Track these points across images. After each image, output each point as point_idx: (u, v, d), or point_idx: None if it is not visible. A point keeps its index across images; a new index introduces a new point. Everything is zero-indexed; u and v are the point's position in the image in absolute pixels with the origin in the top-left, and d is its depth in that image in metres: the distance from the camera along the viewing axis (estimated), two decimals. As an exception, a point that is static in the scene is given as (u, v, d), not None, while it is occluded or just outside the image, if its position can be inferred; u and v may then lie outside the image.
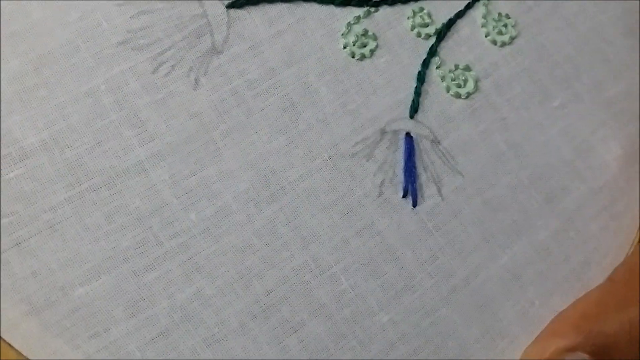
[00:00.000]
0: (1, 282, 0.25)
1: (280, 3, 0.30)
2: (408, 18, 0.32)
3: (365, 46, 0.31)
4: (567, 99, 0.34)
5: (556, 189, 0.32)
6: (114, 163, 0.27)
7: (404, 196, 0.30)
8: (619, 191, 0.33)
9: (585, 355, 0.27)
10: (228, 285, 0.27)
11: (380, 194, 0.29)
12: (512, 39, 0.33)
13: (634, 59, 0.36)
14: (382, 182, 0.29)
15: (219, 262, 0.27)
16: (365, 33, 0.31)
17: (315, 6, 0.31)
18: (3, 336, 0.24)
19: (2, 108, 0.26)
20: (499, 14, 0.33)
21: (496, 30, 0.33)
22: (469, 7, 0.33)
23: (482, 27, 0.33)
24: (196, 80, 0.28)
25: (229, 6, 0.30)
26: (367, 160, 0.30)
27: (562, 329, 0.29)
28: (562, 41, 0.34)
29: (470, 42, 0.33)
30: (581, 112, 0.34)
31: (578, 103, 0.34)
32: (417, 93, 0.31)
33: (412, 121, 0.31)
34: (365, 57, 0.31)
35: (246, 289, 0.27)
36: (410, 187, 0.30)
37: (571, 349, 0.28)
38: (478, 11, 0.33)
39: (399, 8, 0.32)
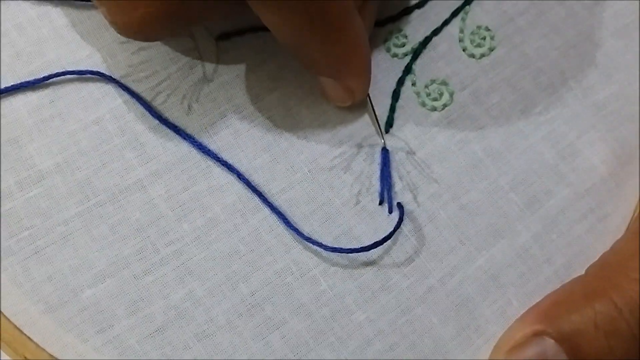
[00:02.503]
0: (23, 285, 0.29)
1: (264, 32, 0.33)
2: (385, 41, 0.34)
3: (344, 67, 0.34)
4: (551, 104, 0.35)
5: (539, 193, 0.33)
6: (117, 181, 0.31)
7: (380, 204, 0.32)
8: (607, 193, 0.34)
9: (551, 341, 0.28)
10: (217, 287, 0.30)
11: (358, 202, 0.32)
12: (491, 50, 0.35)
13: (625, 61, 0.36)
14: (359, 192, 0.32)
15: (208, 266, 0.30)
16: (343, 55, 0.34)
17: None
18: (25, 331, 0.29)
19: (23, 137, 0.31)
20: (478, 27, 0.35)
21: (474, 44, 0.35)
22: (446, 23, 0.35)
23: (459, 41, 0.35)
24: (189, 106, 0.32)
25: (218, 38, 0.33)
26: (345, 172, 0.32)
27: (531, 316, 0.30)
28: (546, 48, 0.35)
29: (447, 57, 0.35)
30: (566, 117, 0.35)
31: (563, 108, 0.35)
32: (392, 110, 0.33)
33: (387, 135, 0.33)
34: (344, 77, 0.34)
35: (233, 290, 0.30)
36: (385, 195, 0.32)
37: (538, 334, 0.29)
38: (455, 26, 0.35)
39: (375, 30, 0.34)
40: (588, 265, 0.33)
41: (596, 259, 0.33)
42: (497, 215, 0.33)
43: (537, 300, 0.32)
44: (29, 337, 0.29)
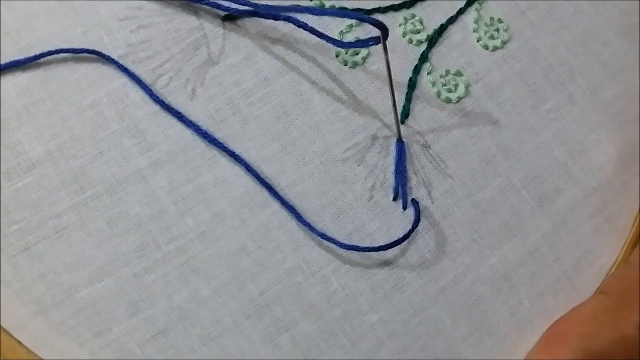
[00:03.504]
0: (12, 284, 0.26)
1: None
2: (400, 25, 0.33)
3: (357, 54, 0.32)
4: (561, 101, 0.34)
5: (549, 191, 0.33)
6: (115, 171, 0.28)
7: (394, 199, 0.31)
8: (613, 193, 0.34)
9: None
10: (223, 286, 0.28)
11: (371, 197, 0.30)
12: (504, 43, 0.34)
13: (631, 60, 0.36)
14: (373, 186, 0.31)
15: (214, 264, 0.28)
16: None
17: (308, 16, 0.32)
18: (14, 335, 0.26)
19: (11, 121, 0.28)
20: (491, 19, 0.34)
21: (488, 35, 0.34)
22: (460, 12, 0.34)
23: (473, 32, 0.34)
24: (193, 91, 0.30)
25: (225, 18, 0.31)
26: (359, 165, 0.31)
27: (557, 348, 0.29)
28: (556, 44, 0.35)
29: (461, 47, 0.33)
30: (575, 115, 0.34)
31: (572, 105, 0.34)
32: (408, 99, 0.32)
33: (403, 126, 0.32)
34: (357, 64, 0.32)
35: (240, 290, 0.28)
36: (400, 190, 0.31)
37: None
38: (470, 16, 0.34)
39: (391, 15, 0.33)
40: (596, 265, 0.33)
41: (603, 258, 0.33)
42: (509, 213, 0.32)
43: (548, 301, 0.32)
44: (19, 342, 0.26)
